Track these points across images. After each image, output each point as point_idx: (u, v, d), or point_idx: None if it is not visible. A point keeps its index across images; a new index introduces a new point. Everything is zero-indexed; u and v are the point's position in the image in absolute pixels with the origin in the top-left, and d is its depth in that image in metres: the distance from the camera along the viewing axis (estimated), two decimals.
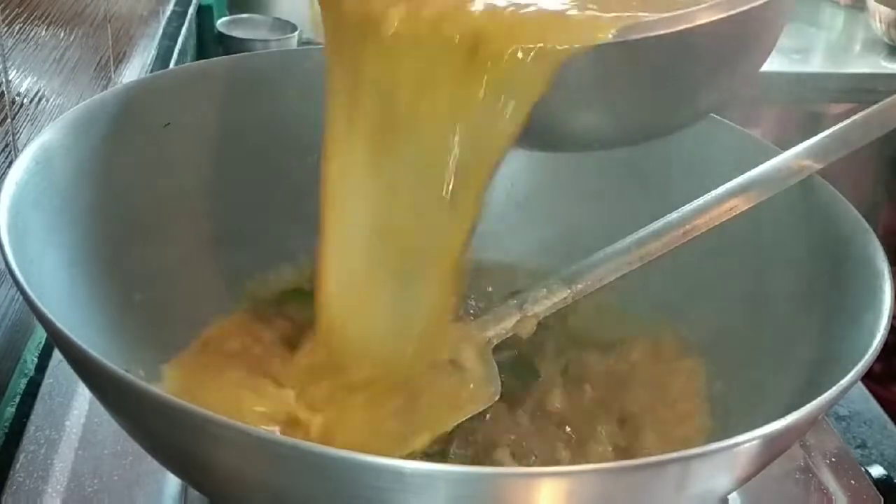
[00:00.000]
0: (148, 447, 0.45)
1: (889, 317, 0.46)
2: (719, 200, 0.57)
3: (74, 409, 0.59)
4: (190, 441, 0.40)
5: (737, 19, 0.45)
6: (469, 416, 0.52)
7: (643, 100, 0.48)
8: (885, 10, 1.50)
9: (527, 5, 0.45)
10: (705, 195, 0.57)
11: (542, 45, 0.44)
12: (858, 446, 0.68)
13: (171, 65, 1.09)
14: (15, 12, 0.62)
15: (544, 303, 0.56)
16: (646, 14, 0.44)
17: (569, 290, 0.56)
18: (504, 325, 0.56)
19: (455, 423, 0.52)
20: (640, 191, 0.66)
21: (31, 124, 0.66)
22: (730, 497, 0.57)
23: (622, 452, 0.56)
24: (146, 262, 0.58)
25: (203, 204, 0.62)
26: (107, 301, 0.54)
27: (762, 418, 0.41)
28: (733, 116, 0.62)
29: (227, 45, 1.26)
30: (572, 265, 0.57)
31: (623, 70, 0.46)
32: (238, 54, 0.65)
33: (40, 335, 0.67)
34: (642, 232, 0.57)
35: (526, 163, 0.67)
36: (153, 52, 1.10)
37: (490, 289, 0.65)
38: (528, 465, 0.54)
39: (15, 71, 0.63)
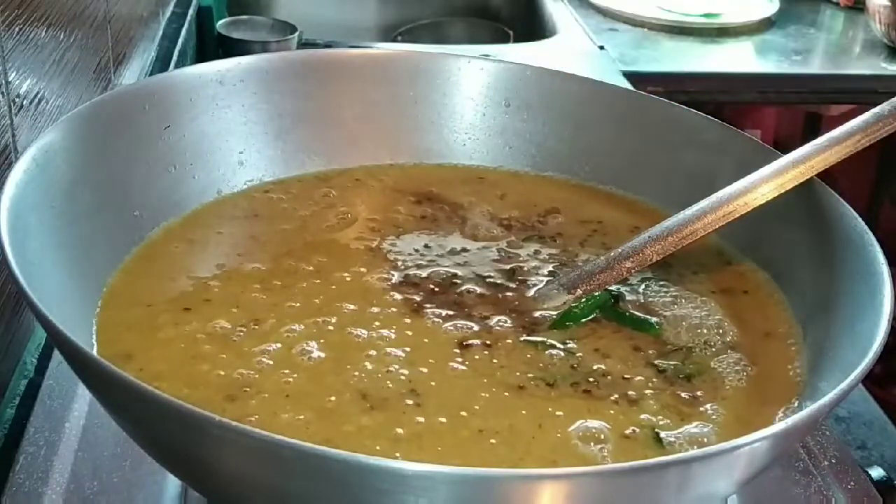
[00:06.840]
0: (147, 448, 0.45)
1: (889, 319, 0.46)
2: (718, 204, 0.56)
3: (74, 411, 0.59)
4: (190, 442, 0.40)
5: None
6: None
7: None
8: (884, 12, 1.50)
9: None
10: (704, 199, 0.57)
11: None
12: (858, 447, 0.68)
13: (171, 66, 1.09)
14: (15, 14, 0.62)
15: None
16: None
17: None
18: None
19: None
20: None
21: (32, 126, 0.66)
22: (730, 499, 0.57)
23: None
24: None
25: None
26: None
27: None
28: (734, 118, 0.62)
29: (227, 46, 1.25)
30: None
31: None
32: (238, 56, 0.65)
33: (40, 336, 0.67)
34: (637, 239, 0.57)
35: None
36: (153, 53, 1.10)
37: None
38: None
39: (15, 72, 0.63)
